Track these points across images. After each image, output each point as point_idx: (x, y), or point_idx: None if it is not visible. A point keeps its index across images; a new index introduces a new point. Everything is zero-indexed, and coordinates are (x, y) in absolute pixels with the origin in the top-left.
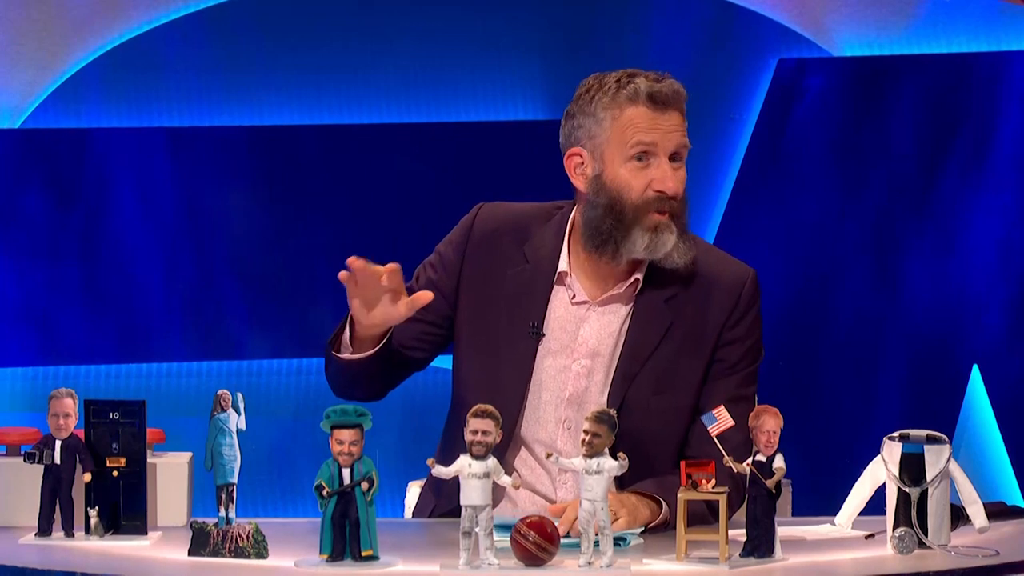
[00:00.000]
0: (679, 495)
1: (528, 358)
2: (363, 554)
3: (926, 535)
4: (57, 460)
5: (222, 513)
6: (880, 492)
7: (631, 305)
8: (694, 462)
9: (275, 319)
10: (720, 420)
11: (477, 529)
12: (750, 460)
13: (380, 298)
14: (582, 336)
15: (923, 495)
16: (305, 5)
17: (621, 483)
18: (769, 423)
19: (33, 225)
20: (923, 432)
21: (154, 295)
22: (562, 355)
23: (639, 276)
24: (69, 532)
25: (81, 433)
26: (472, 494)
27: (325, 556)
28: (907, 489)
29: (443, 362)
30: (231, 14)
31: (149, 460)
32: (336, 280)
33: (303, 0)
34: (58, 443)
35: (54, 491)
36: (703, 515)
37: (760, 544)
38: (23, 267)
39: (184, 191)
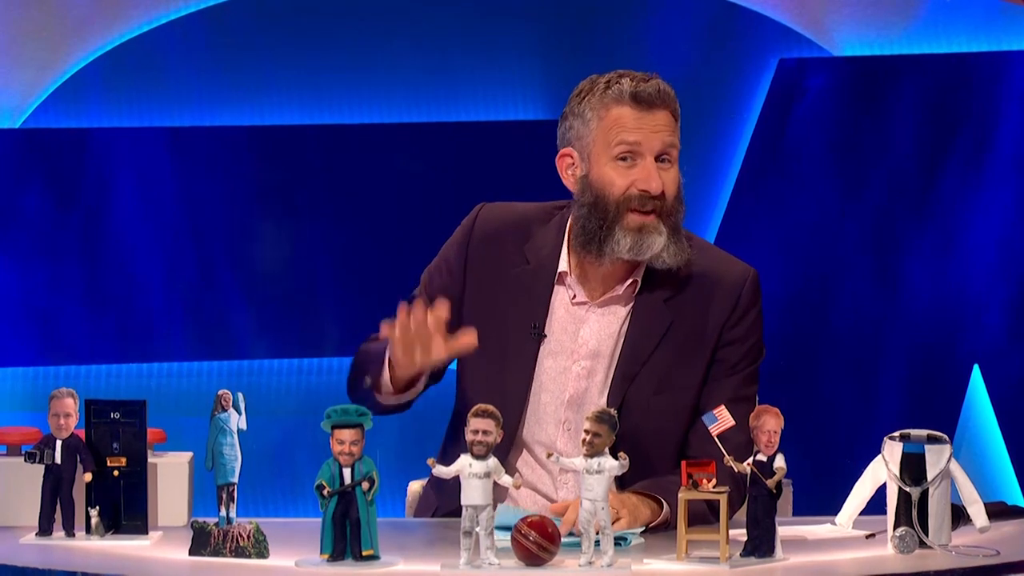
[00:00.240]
0: (680, 495)
1: (530, 360)
2: (364, 554)
3: (927, 535)
4: (58, 460)
5: (223, 513)
6: (881, 492)
7: (631, 305)
8: (695, 462)
9: (276, 319)
10: (721, 420)
11: (478, 529)
12: (751, 460)
13: (422, 342)
14: (582, 337)
15: (924, 495)
16: (305, 5)
17: (622, 483)
18: (770, 423)
19: (33, 225)
20: (924, 432)
21: (155, 295)
22: (563, 356)
23: (638, 277)
24: (70, 532)
25: (82, 433)
26: (473, 494)
27: (326, 556)
28: (908, 489)
29: None
30: (231, 14)
31: (150, 460)
32: (336, 280)
33: (303, 0)
34: (59, 443)
35: (55, 491)
36: (704, 515)
37: (761, 544)
38: (24, 267)
39: (184, 191)
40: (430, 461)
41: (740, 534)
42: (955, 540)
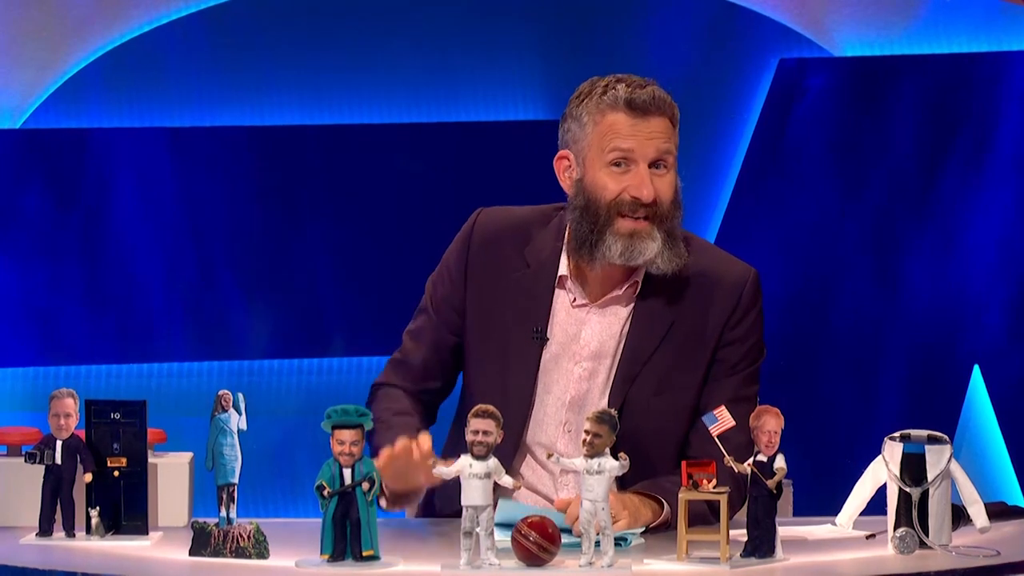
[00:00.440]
0: (680, 495)
1: (533, 363)
2: (364, 554)
3: (927, 535)
4: (58, 460)
5: (223, 513)
6: (881, 492)
7: (632, 306)
8: (695, 462)
9: (276, 319)
10: (721, 420)
11: (478, 529)
12: (751, 460)
13: (411, 470)
14: (583, 339)
15: (924, 495)
16: (305, 5)
17: (622, 483)
18: (770, 423)
19: (33, 225)
20: (924, 432)
21: (155, 295)
22: (565, 359)
23: (638, 279)
24: (70, 532)
25: (82, 433)
26: (473, 494)
27: (326, 556)
28: (908, 489)
29: None
30: (231, 14)
31: (150, 460)
32: (336, 280)
33: (303, 0)
34: (59, 443)
35: (55, 491)
36: (704, 515)
37: (761, 544)
38: (24, 267)
39: (184, 191)
40: (430, 461)
41: (740, 534)
42: (955, 540)
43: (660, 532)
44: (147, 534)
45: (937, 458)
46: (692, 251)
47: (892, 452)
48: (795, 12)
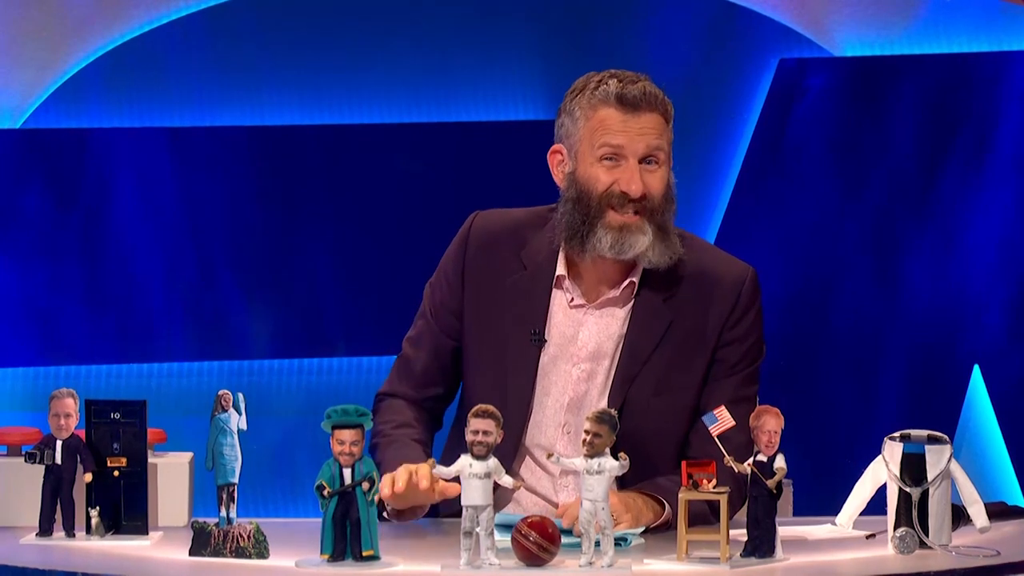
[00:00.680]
0: (680, 495)
1: (532, 366)
2: (364, 554)
3: (927, 535)
4: (58, 460)
5: (223, 513)
6: (881, 492)
7: (630, 306)
8: (695, 462)
9: (276, 319)
10: (721, 420)
11: (478, 529)
12: (751, 460)
13: (412, 494)
14: (581, 340)
15: (924, 495)
16: (305, 5)
17: (622, 483)
18: (770, 423)
19: (33, 225)
20: (924, 432)
21: (155, 295)
22: (563, 360)
23: (635, 278)
24: (70, 532)
25: (82, 433)
26: (473, 494)
27: (326, 556)
28: (908, 489)
29: None
30: (231, 14)
31: (150, 460)
32: (336, 280)
33: (303, 0)
34: (59, 443)
35: (55, 491)
36: (704, 515)
37: (761, 544)
38: (24, 267)
39: (184, 191)
40: (430, 462)
41: (740, 534)
42: (955, 540)
43: (660, 532)
44: (147, 534)
45: (937, 458)
46: (690, 250)
47: (892, 452)
48: (795, 12)
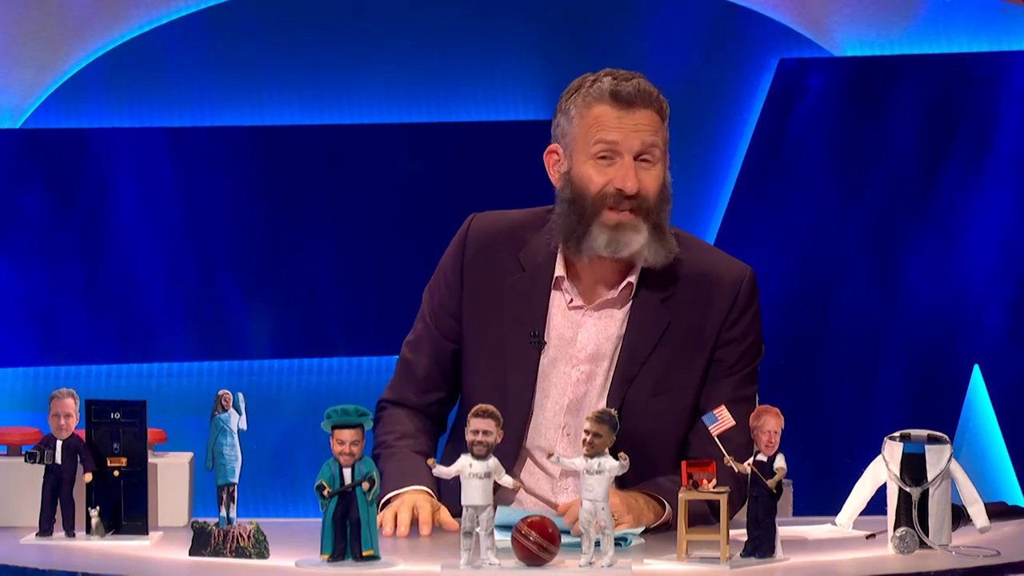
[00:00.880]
0: (680, 495)
1: (531, 368)
2: (364, 554)
3: (927, 535)
4: (58, 460)
5: (223, 513)
6: (881, 492)
7: (628, 307)
8: (695, 462)
9: (276, 319)
10: (721, 420)
11: (478, 529)
12: (751, 460)
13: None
14: (580, 341)
15: (924, 495)
16: (305, 5)
17: (622, 483)
18: (770, 423)
19: (33, 225)
20: (924, 432)
21: (155, 295)
22: (562, 362)
23: (633, 279)
24: (70, 532)
25: (82, 433)
26: (473, 494)
27: (326, 556)
28: (908, 489)
29: None
30: (231, 14)
31: (150, 460)
32: (336, 280)
33: (303, 0)
34: (59, 443)
35: (55, 491)
36: (704, 515)
37: (761, 544)
38: (24, 267)
39: (184, 191)
40: (430, 461)
41: (740, 534)
42: (955, 540)
43: (660, 532)
44: (147, 534)
45: (937, 458)
46: (688, 250)
47: (892, 452)
48: (795, 12)
